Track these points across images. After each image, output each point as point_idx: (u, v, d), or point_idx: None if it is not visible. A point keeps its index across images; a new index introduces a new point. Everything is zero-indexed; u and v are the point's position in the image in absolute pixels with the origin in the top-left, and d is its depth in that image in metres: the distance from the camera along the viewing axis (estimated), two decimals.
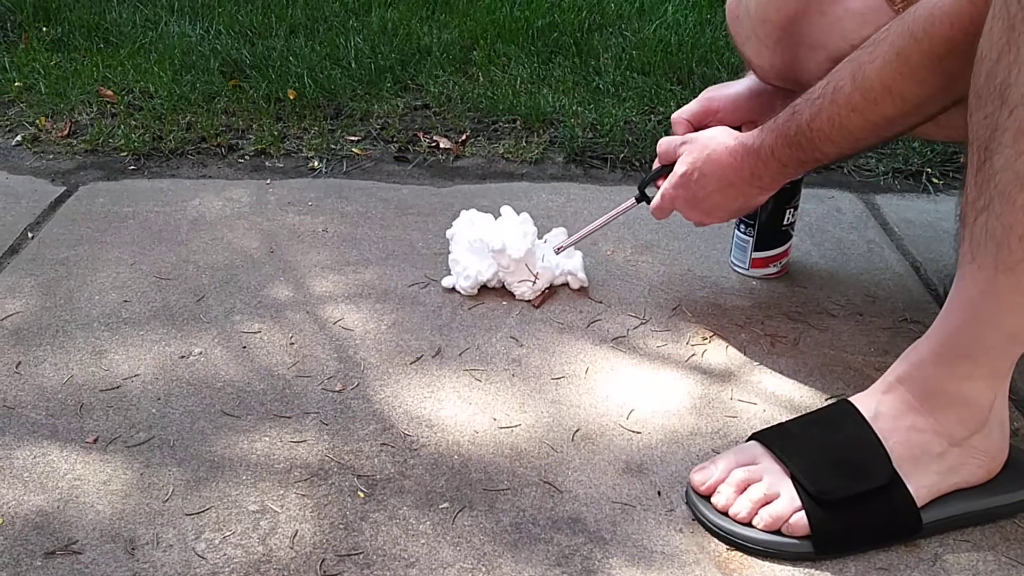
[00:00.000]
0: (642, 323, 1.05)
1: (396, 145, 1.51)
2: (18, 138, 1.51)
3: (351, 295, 1.09)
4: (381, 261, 1.17)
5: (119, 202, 1.30)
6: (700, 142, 0.95)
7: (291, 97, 1.62)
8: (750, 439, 0.82)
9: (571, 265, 1.10)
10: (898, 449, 0.75)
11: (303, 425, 0.88)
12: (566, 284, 1.11)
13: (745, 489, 0.77)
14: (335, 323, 1.04)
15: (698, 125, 1.04)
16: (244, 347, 0.99)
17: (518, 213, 1.11)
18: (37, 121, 1.55)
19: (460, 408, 0.91)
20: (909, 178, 1.43)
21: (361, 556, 0.74)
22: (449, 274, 1.10)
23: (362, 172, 1.43)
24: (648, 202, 1.03)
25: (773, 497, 0.76)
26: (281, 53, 1.78)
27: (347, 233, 1.23)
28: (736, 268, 1.15)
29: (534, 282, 1.07)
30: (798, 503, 0.75)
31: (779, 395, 0.94)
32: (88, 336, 1.01)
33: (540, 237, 1.11)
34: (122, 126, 1.52)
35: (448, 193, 1.36)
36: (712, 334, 1.03)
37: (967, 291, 0.71)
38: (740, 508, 0.76)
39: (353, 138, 1.53)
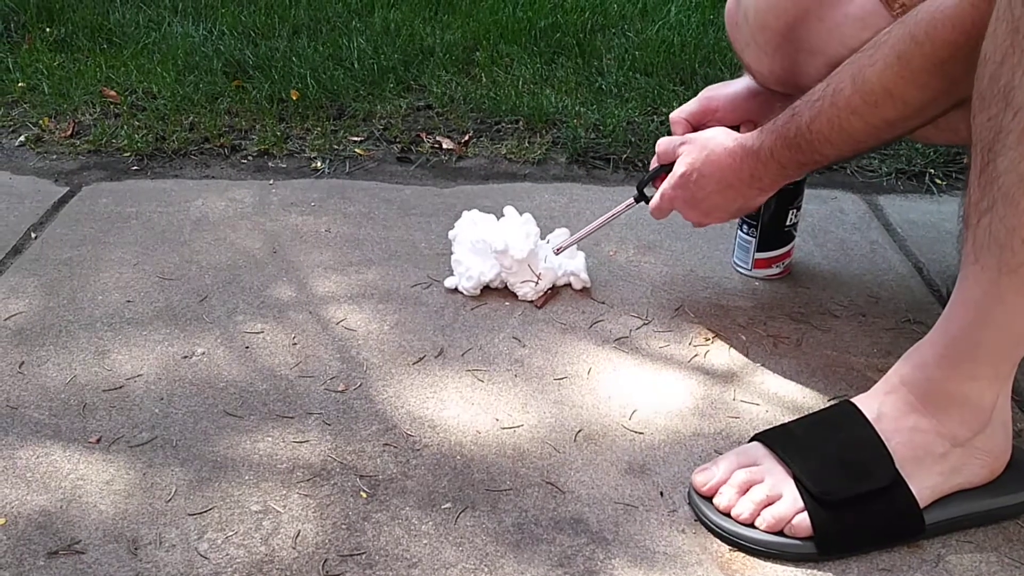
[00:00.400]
0: (645, 324, 1.05)
1: (399, 146, 1.51)
2: (21, 138, 1.51)
3: (354, 295, 1.09)
4: (384, 261, 1.17)
5: (122, 202, 1.31)
6: (699, 142, 0.95)
7: (294, 98, 1.62)
8: (752, 440, 0.82)
9: (574, 266, 1.10)
10: (901, 450, 0.75)
11: (306, 425, 0.88)
12: (569, 285, 1.11)
13: (747, 490, 0.77)
14: (338, 323, 1.04)
15: (697, 124, 1.03)
16: (247, 347, 1.00)
17: (521, 214, 1.11)
18: (40, 121, 1.55)
19: (463, 408, 0.91)
20: (912, 179, 1.43)
21: (363, 556, 0.74)
22: (452, 275, 1.10)
23: (365, 173, 1.43)
24: (647, 202, 1.03)
25: (775, 498, 0.76)
26: (284, 54, 1.78)
27: (350, 233, 1.23)
28: (739, 269, 1.15)
29: (537, 283, 1.07)
30: (800, 504, 0.75)
31: (781, 396, 0.94)
32: (91, 336, 1.01)
33: (543, 238, 1.11)
34: (125, 126, 1.53)
35: (451, 193, 1.36)
36: (714, 335, 1.03)
37: (970, 292, 0.71)
38: (742, 509, 0.76)
39: (356, 139, 1.53)
